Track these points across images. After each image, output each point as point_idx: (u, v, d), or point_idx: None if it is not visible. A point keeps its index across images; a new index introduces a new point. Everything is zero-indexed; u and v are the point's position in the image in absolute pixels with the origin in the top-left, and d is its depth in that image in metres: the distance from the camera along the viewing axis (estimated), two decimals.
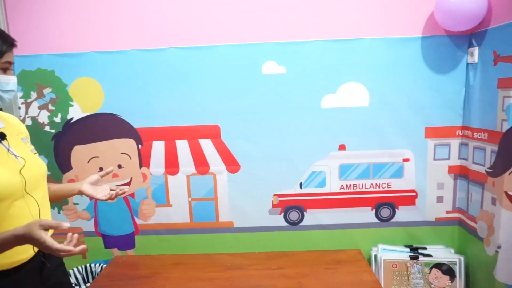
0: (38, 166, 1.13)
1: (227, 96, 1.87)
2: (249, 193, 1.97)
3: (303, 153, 1.92)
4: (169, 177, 1.97)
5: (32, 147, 1.17)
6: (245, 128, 1.90)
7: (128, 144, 1.92)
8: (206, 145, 1.93)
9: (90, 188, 1.29)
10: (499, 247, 1.63)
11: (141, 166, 1.95)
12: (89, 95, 1.87)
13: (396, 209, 1.98)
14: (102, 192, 1.29)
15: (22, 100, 1.86)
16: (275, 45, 1.81)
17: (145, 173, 1.96)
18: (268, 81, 1.84)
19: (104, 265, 1.97)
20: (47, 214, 1.15)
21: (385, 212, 1.99)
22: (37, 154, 1.17)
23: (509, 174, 1.56)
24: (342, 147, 1.91)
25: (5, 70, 1.03)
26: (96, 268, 2.00)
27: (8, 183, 1.00)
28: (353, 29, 1.79)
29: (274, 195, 1.98)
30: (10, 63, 1.04)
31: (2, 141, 1.05)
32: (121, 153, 1.92)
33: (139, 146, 1.93)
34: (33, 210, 1.07)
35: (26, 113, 1.89)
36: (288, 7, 1.79)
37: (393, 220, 1.99)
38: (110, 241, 2.05)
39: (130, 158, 1.94)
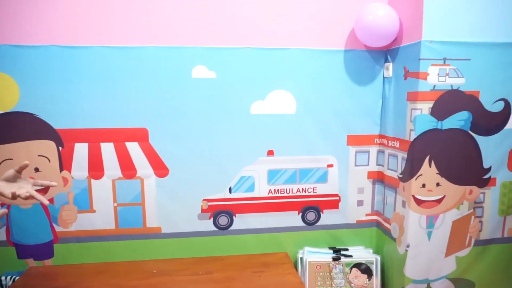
0: None
1: (156, 98, 1.83)
2: (178, 198, 1.94)
3: (233, 158, 1.94)
4: (93, 181, 1.87)
5: None
6: (174, 132, 1.87)
7: (46, 146, 1.80)
8: (133, 148, 1.87)
9: (5, 185, 1.17)
10: (408, 246, 1.78)
11: (61, 170, 1.84)
12: (2, 92, 1.72)
13: (321, 213, 2.08)
14: (13, 187, 1.16)
15: None
16: (205, 49, 1.82)
17: (66, 177, 1.85)
18: (198, 85, 1.84)
19: (17, 278, 1.81)
20: None
21: (311, 216, 2.07)
22: None
23: (416, 179, 1.72)
24: (270, 153, 1.96)
25: None
26: (8, 281, 1.84)
27: None
28: (282, 39, 1.86)
29: (204, 200, 1.97)
30: None
31: None
32: (39, 155, 1.79)
33: (60, 148, 1.82)
34: None
35: None
36: (219, 13, 1.81)
37: (318, 223, 2.08)
38: (24, 251, 1.89)
39: (49, 161, 1.81)
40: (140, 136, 1.86)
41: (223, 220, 2.01)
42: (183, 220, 1.97)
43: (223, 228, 2.02)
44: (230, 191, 1.98)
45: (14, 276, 1.84)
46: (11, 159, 1.77)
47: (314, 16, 1.87)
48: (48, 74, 1.74)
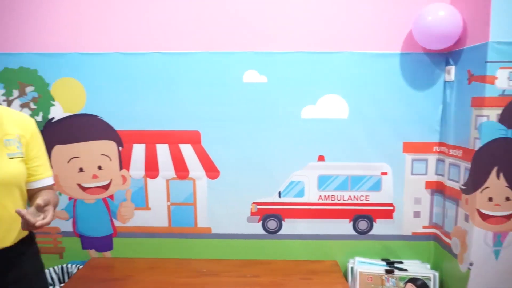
0: (3, 170, 1.09)
1: (208, 102, 1.89)
2: (228, 200, 1.98)
3: (283, 162, 1.93)
4: (149, 180, 1.98)
5: (17, 150, 1.14)
6: (226, 135, 1.91)
7: (108, 146, 1.93)
8: (187, 150, 1.94)
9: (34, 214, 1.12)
10: (471, 264, 1.64)
11: (121, 169, 1.96)
12: (71, 96, 1.88)
13: (374, 222, 1.99)
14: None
15: (4, 98, 1.87)
16: (256, 54, 1.84)
17: (125, 176, 1.97)
18: (249, 90, 1.86)
19: (81, 266, 1.96)
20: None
21: (362, 225, 2.00)
22: (17, 158, 1.13)
23: (481, 192, 1.58)
24: (321, 158, 1.93)
25: None
26: (73, 269, 2.00)
27: None
28: (334, 42, 1.82)
29: (253, 203, 1.99)
30: None
31: None
32: (102, 154, 1.93)
33: (120, 148, 1.94)
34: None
35: None
36: (271, 18, 1.82)
37: (371, 233, 2.00)
38: (88, 242, 2.05)
39: (110, 160, 1.95)
40: (193, 138, 1.92)
41: (272, 224, 2.01)
42: (232, 222, 2.00)
43: (271, 232, 2.01)
44: (279, 196, 1.97)
45: (78, 265, 1.99)
46: (78, 157, 1.93)
47: (368, 18, 1.80)
48: (111, 79, 1.88)
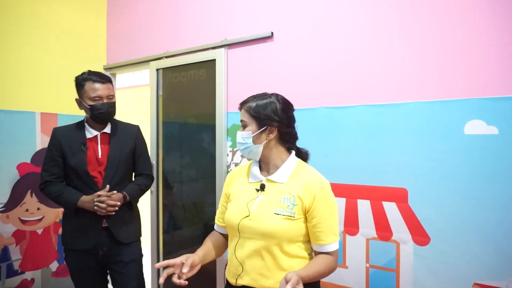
0: (260, 223, 1.23)
1: (418, 157, 1.69)
2: (440, 274, 1.65)
3: None
4: (348, 237, 1.88)
5: (288, 209, 1.24)
6: (438, 195, 1.64)
7: None
8: (391, 208, 1.77)
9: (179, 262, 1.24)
10: None
11: None
12: None
13: None
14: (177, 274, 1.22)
15: (230, 149, 2.23)
16: (482, 101, 1.55)
17: None
18: (472, 143, 1.57)
19: None
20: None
21: None
22: (285, 217, 1.23)
23: None
24: None
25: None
26: None
27: (230, 217, 1.32)
28: None
29: (475, 284, 1.58)
30: (242, 121, 1.34)
31: (260, 191, 1.30)
32: None
33: None
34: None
35: (232, 159, 2.25)
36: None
37: None
38: None
39: None
40: (399, 196, 1.74)
41: None
42: None
43: None
44: None
45: None
46: None
47: None
48: (315, 131, 1.95)
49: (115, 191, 1.80)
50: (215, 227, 1.50)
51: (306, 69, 2.03)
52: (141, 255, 2.01)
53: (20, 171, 2.41)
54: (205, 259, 1.33)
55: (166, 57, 2.63)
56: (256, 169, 1.36)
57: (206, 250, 1.36)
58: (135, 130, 2.02)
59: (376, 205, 1.80)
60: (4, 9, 2.38)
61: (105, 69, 3.00)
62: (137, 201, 1.99)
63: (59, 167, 1.85)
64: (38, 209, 2.49)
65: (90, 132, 1.88)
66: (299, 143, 2.08)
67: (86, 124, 1.90)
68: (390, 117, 1.77)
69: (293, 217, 1.23)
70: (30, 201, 2.45)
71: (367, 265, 1.83)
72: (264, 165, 1.36)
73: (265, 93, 1.37)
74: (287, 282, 1.04)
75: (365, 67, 1.85)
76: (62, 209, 2.61)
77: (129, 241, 1.91)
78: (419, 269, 1.69)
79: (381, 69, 1.81)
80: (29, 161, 2.45)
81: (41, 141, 2.52)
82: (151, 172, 2.07)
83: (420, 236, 1.69)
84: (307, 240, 1.30)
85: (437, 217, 1.65)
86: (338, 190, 1.89)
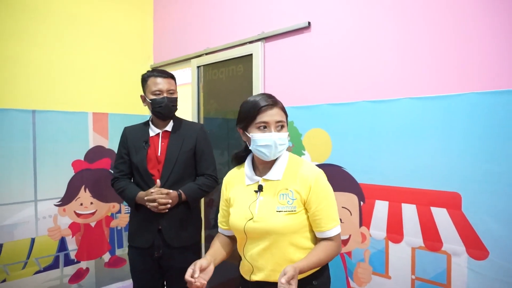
0: (265, 224, 1.26)
1: (474, 157, 1.45)
2: None
3: None
4: (391, 244, 1.70)
5: (288, 205, 1.26)
6: (498, 203, 1.39)
7: (350, 199, 1.82)
8: (440, 215, 1.55)
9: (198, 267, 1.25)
10: None
11: (360, 225, 1.80)
12: (319, 145, 1.92)
13: None
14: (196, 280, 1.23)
15: None
16: None
17: (364, 233, 1.79)
18: None
19: None
20: None
21: None
22: (287, 213, 1.25)
23: None
24: None
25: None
26: None
27: (233, 222, 1.33)
28: None
29: None
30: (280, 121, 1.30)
31: (259, 192, 1.31)
32: (342, 207, 1.85)
33: (361, 203, 1.79)
34: None
35: None
36: None
37: None
38: None
39: (351, 214, 1.82)
40: (451, 202, 1.52)
41: None
42: None
43: None
44: None
45: None
46: None
47: None
48: (356, 129, 1.79)
49: (170, 190, 1.79)
50: (219, 230, 1.50)
51: (345, 61, 1.86)
52: None
53: (75, 167, 2.58)
54: (216, 259, 1.36)
55: (206, 54, 2.62)
56: (250, 171, 1.37)
57: (214, 251, 1.39)
58: (198, 128, 1.99)
59: (424, 211, 1.60)
60: (54, 12, 2.53)
61: (152, 68, 3.09)
62: (197, 201, 1.94)
63: (126, 164, 1.92)
64: (91, 203, 2.65)
65: (153, 130, 1.91)
66: (337, 140, 1.94)
67: (150, 123, 1.94)
68: (436, 111, 1.54)
69: (294, 211, 1.26)
70: (84, 195, 2.62)
71: (413, 277, 1.64)
72: (261, 165, 1.35)
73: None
74: (284, 275, 1.08)
75: (408, 58, 1.63)
76: (113, 204, 2.76)
77: (181, 245, 1.85)
78: (473, 285, 1.47)
79: (423, 60, 1.58)
80: (82, 159, 2.61)
81: (93, 139, 2.67)
82: (214, 172, 1.97)
83: (476, 248, 1.46)
84: (312, 230, 1.32)
85: (497, 228, 1.41)
86: (382, 192, 1.72)
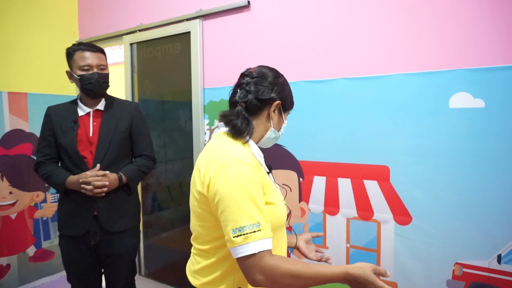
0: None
1: (400, 133, 1.59)
2: (421, 254, 1.59)
3: (504, 215, 1.42)
4: (328, 216, 1.81)
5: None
6: (421, 173, 1.56)
7: (289, 176, 1.89)
8: (372, 187, 1.69)
9: (304, 246, 1.33)
10: None
11: (300, 200, 1.88)
12: None
13: None
14: (312, 252, 1.32)
15: (207, 127, 2.12)
16: (469, 72, 1.44)
17: (303, 208, 1.88)
18: (457, 117, 1.47)
19: None
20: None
21: None
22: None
23: None
24: None
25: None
26: None
27: (284, 212, 1.09)
28: None
29: (456, 263, 1.53)
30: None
31: (270, 174, 1.12)
32: (283, 184, 1.91)
33: (300, 179, 1.87)
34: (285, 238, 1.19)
35: (209, 138, 2.15)
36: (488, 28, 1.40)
37: None
38: None
39: (291, 191, 1.90)
40: (380, 174, 1.66)
41: None
42: (425, 282, 1.59)
43: None
44: (499, 261, 1.45)
45: None
46: None
47: None
48: (295, 108, 1.83)
49: (107, 172, 1.68)
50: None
51: (284, 41, 1.89)
52: (136, 247, 1.86)
53: None
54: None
55: (140, 30, 2.47)
56: (260, 154, 1.13)
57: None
58: (133, 107, 1.87)
59: (357, 184, 1.72)
60: None
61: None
62: (137, 183, 1.86)
63: (52, 147, 1.74)
64: (11, 193, 2.39)
65: (83, 110, 1.76)
66: None
67: (79, 101, 1.78)
68: (371, 91, 1.66)
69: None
70: (2, 185, 2.35)
71: (348, 245, 1.77)
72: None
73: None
74: None
75: (346, 39, 1.73)
76: (36, 193, 2.52)
77: (120, 230, 1.76)
78: (400, 248, 1.64)
79: (361, 40, 1.69)
80: None
81: (10, 122, 2.39)
82: (152, 152, 1.90)
83: (401, 215, 1.63)
84: None
85: (420, 196, 1.58)
86: (319, 168, 1.81)
